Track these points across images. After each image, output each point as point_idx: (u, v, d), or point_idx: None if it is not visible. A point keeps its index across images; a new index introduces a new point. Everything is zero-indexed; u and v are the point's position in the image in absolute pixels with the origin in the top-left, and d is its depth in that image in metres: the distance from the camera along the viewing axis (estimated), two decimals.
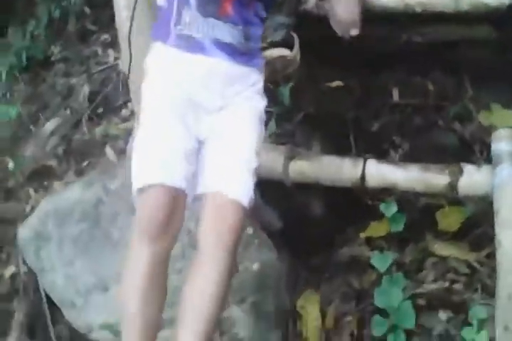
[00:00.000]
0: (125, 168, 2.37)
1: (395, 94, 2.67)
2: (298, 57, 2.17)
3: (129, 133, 2.77)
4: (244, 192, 1.83)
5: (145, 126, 1.88)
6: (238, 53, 1.91)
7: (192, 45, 1.87)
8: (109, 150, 2.90)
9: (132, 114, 2.95)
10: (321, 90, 2.46)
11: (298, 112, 2.18)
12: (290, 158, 2.10)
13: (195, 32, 1.87)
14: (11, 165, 3.08)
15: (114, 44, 3.60)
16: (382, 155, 2.29)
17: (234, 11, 1.90)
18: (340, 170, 2.06)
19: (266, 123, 2.01)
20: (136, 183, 1.81)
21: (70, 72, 3.64)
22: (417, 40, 2.45)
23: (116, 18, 2.60)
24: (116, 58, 3.48)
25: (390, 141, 2.25)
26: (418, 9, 2.27)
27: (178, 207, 1.80)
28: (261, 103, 1.96)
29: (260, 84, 1.98)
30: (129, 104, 3.13)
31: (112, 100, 3.26)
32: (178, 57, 1.89)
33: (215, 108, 1.90)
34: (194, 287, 1.77)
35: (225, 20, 1.89)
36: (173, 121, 1.85)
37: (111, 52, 3.55)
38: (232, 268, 1.78)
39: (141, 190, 1.80)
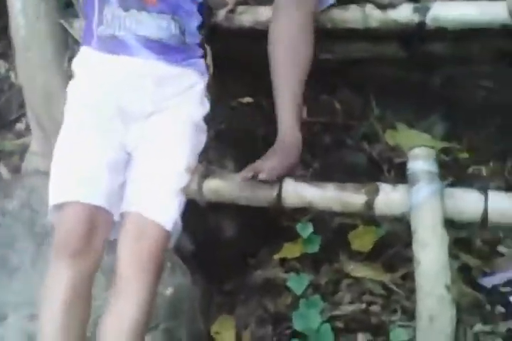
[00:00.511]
0: (22, 187, 2.24)
1: (303, 112, 2.64)
2: (210, 70, 2.10)
3: (24, 149, 2.63)
4: (167, 214, 1.73)
5: (63, 134, 1.75)
6: (170, 51, 1.75)
7: (115, 45, 1.73)
8: (2, 168, 2.72)
9: (27, 128, 2.79)
10: (232, 106, 2.39)
11: (210, 129, 2.10)
12: (204, 176, 2.01)
13: (117, 30, 1.72)
14: None
15: (5, 55, 3.42)
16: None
17: None
18: (256, 188, 1.99)
19: None
20: (52, 199, 1.69)
21: None
22: (326, 57, 2.43)
23: (12, 25, 2.45)
24: (8, 70, 3.30)
25: (300, 159, 2.20)
26: (328, 25, 2.26)
27: (98, 225, 1.69)
28: (198, 110, 1.83)
29: (199, 88, 1.84)
30: (24, 119, 2.96)
31: (4, 114, 3.08)
32: (101, 59, 1.76)
33: (144, 114, 1.76)
34: (113, 313, 1.64)
35: (150, 10, 1.73)
36: (95, 129, 1.73)
37: (2, 63, 3.36)
38: (154, 295, 1.67)
39: (57, 207, 1.67)
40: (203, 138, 1.88)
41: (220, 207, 2.13)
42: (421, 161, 1.96)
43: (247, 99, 2.32)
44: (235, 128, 2.36)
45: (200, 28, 1.84)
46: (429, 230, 1.87)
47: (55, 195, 1.71)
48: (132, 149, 1.78)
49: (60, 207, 1.68)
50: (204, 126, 1.88)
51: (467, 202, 1.91)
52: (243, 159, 2.22)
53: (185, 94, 1.81)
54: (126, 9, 1.72)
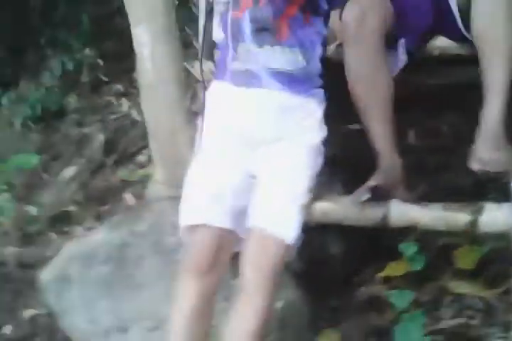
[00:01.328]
0: (149, 211, 2.48)
1: (411, 136, 2.81)
2: None
3: (146, 178, 2.89)
4: (289, 229, 1.87)
5: (195, 161, 1.97)
6: (296, 82, 1.88)
7: (248, 78, 1.88)
8: (128, 196, 3.01)
9: (149, 159, 3.08)
10: (342, 133, 2.59)
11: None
12: (314, 198, 2.21)
13: (252, 64, 1.87)
14: (30, 211, 3.18)
15: (127, 94, 3.77)
16: None
17: (291, 33, 1.86)
18: (363, 210, 2.17)
19: None
20: (183, 221, 1.91)
21: (84, 121, 3.79)
22: (432, 81, 2.58)
23: (139, 70, 2.71)
24: (130, 107, 3.63)
25: (406, 182, 2.37)
26: (436, 52, 2.43)
27: (224, 245, 1.89)
28: (317, 135, 1.96)
29: (318, 115, 1.96)
30: (144, 151, 3.27)
31: (127, 147, 3.40)
32: (233, 91, 1.93)
33: (269, 140, 1.92)
34: (233, 324, 1.85)
35: (281, 45, 1.86)
36: (223, 156, 1.93)
37: (124, 101, 3.71)
38: (272, 304, 1.86)
39: (186, 229, 1.89)
40: (320, 160, 2.01)
41: (327, 227, 2.32)
42: None
43: (355, 126, 2.49)
44: (344, 154, 2.55)
45: (321, 59, 1.95)
46: None
47: (185, 216, 1.90)
48: (257, 173, 1.95)
49: (189, 228, 1.88)
50: (322, 149, 2.01)
51: None
52: (351, 183, 2.41)
53: (306, 121, 1.95)
54: (260, 45, 1.85)
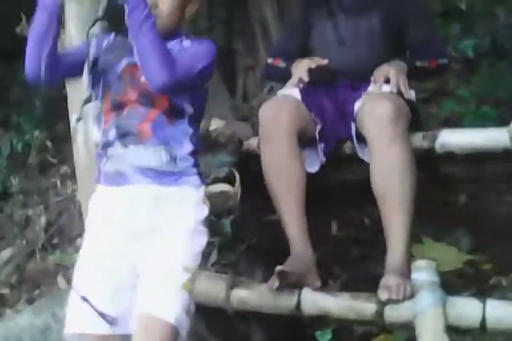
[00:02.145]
0: None
1: (334, 227, 2.95)
2: (239, 193, 2.45)
3: None
4: (169, 309, 1.96)
5: (78, 263, 2.10)
6: (162, 175, 2.04)
7: (117, 178, 2.04)
8: (60, 279, 3.07)
9: None
10: (263, 222, 2.71)
11: (241, 243, 2.42)
12: (232, 286, 2.30)
13: (118, 164, 2.04)
14: None
15: (73, 176, 3.87)
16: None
17: (153, 133, 2.05)
18: (277, 298, 2.27)
19: (208, 253, 2.23)
20: (67, 328, 2.02)
21: (28, 203, 3.88)
22: (350, 177, 2.76)
23: (74, 152, 2.86)
24: (74, 190, 3.73)
25: (329, 271, 2.47)
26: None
27: None
28: (196, 217, 2.08)
29: (195, 199, 2.08)
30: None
31: (67, 230, 3.48)
32: (107, 192, 2.08)
33: (146, 230, 2.03)
34: None
35: (145, 144, 2.04)
36: (106, 256, 2.04)
37: (69, 183, 3.81)
38: None
39: (69, 336, 2.01)
40: (202, 240, 2.10)
41: (247, 315, 2.40)
42: (424, 272, 2.20)
43: (275, 217, 2.62)
44: (265, 243, 2.67)
45: (192, 153, 2.11)
46: (432, 335, 2.09)
47: (68, 323, 2.02)
48: (140, 262, 2.05)
49: (71, 336, 1.99)
50: (203, 229, 2.11)
51: (467, 310, 2.13)
52: (272, 270, 2.51)
53: (180, 207, 2.06)
54: (125, 146, 2.04)
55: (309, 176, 2.53)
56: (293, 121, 2.47)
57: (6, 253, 3.40)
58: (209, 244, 2.28)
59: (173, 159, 2.05)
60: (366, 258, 2.86)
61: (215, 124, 2.70)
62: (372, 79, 2.64)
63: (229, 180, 2.51)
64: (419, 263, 2.22)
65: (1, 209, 3.96)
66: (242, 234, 2.58)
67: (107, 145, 2.08)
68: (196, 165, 2.11)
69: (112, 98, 2.09)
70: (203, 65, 2.05)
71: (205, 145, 2.63)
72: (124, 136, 2.05)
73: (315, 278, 2.34)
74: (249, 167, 2.62)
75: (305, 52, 2.83)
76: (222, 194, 2.44)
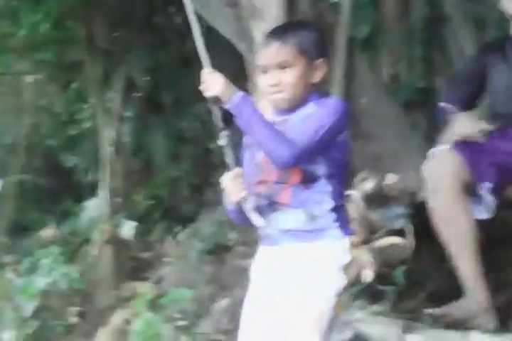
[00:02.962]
0: None
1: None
2: (412, 244, 2.67)
3: None
4: None
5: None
6: (304, 233, 2.21)
7: (269, 239, 2.27)
8: None
9: None
10: (439, 267, 2.89)
11: (420, 291, 2.64)
12: (405, 331, 2.51)
13: (268, 228, 2.25)
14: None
15: None
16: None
17: (291, 200, 2.22)
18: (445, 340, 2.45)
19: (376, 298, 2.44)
20: None
21: (248, 253, 4.33)
22: None
23: None
24: None
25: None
26: None
27: None
28: (333, 265, 2.20)
29: (335, 250, 2.22)
30: None
31: None
32: (263, 251, 2.33)
33: (286, 284, 2.23)
34: None
35: (285, 209, 2.22)
36: (256, 305, 2.30)
37: None
38: None
39: None
40: (337, 285, 2.21)
41: None
42: None
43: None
44: (446, 289, 2.83)
45: (334, 208, 2.23)
46: None
47: None
48: (277, 309, 2.24)
49: None
50: (341, 276, 2.23)
51: None
52: None
53: (320, 258, 2.22)
54: (270, 212, 2.23)
55: (483, 222, 2.69)
56: (455, 174, 2.66)
57: (223, 303, 3.84)
58: (381, 292, 2.54)
59: (313, 218, 2.23)
60: None
61: (390, 179, 2.94)
62: None
63: (400, 232, 2.74)
64: None
65: (225, 260, 4.45)
66: (421, 282, 2.77)
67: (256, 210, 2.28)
68: (339, 219, 2.25)
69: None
70: (329, 125, 2.16)
71: (379, 199, 2.89)
72: (269, 205, 2.25)
73: (488, 319, 2.48)
74: (423, 217, 2.82)
75: (475, 98, 3.00)
76: (393, 246, 2.67)
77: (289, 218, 2.23)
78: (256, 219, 2.22)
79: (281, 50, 2.21)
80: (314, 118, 2.19)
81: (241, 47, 3.64)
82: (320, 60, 2.24)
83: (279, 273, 2.27)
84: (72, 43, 5.94)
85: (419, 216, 2.81)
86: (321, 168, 2.23)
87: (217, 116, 2.21)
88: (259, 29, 3.29)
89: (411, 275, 2.77)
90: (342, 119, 2.20)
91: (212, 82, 2.17)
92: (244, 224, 2.33)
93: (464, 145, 2.77)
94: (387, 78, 4.38)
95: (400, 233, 2.76)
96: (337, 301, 2.20)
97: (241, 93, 2.18)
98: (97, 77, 5.70)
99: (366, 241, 2.72)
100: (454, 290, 2.81)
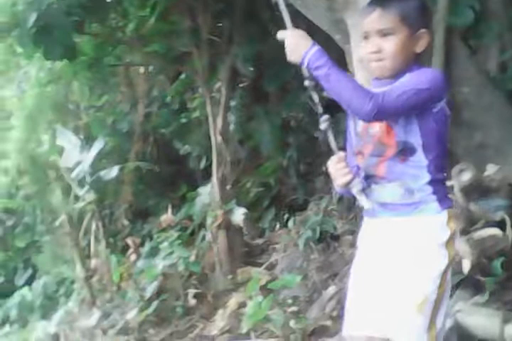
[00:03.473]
0: None
1: None
2: (510, 236, 2.71)
3: None
4: (406, 334, 2.19)
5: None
6: (401, 207, 2.24)
7: (369, 211, 2.31)
8: None
9: None
10: None
11: None
12: (506, 321, 2.58)
13: (371, 200, 2.29)
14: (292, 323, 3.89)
15: None
16: None
17: (387, 173, 2.25)
18: None
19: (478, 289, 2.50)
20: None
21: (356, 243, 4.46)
22: None
23: None
24: None
25: None
26: None
27: None
28: (433, 241, 2.22)
29: (433, 224, 2.23)
30: None
31: None
32: (366, 222, 2.36)
33: (386, 256, 2.26)
34: None
35: (382, 182, 2.26)
36: (358, 278, 2.34)
37: None
38: None
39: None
40: (441, 264, 2.22)
41: None
42: None
43: None
44: None
45: (431, 182, 2.23)
46: None
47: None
48: (378, 282, 2.27)
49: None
50: (443, 253, 2.23)
51: None
52: None
53: (420, 233, 2.24)
54: (369, 186, 2.28)
55: None
56: None
57: (331, 290, 3.99)
58: (481, 283, 2.61)
59: (410, 191, 2.25)
60: None
61: (490, 170, 2.97)
62: None
63: (504, 223, 2.77)
64: None
65: (335, 248, 4.60)
66: None
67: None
68: (436, 191, 2.25)
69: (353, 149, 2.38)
70: (419, 89, 2.15)
71: (479, 190, 2.93)
72: (366, 177, 2.32)
73: None
74: None
75: None
76: (492, 238, 2.72)
77: (386, 191, 2.27)
78: (363, 201, 2.26)
79: (384, 16, 2.20)
80: (405, 81, 2.19)
81: (336, 38, 3.70)
82: (423, 30, 2.23)
83: (380, 246, 2.28)
84: (178, 35, 6.14)
85: None
86: (417, 139, 2.23)
87: (316, 101, 2.26)
88: (353, 20, 3.36)
89: (511, 267, 2.81)
90: (436, 87, 2.18)
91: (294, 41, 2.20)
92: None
93: None
94: (494, 67, 4.33)
95: (499, 224, 2.79)
96: (441, 281, 2.20)
97: (318, 46, 2.18)
98: (203, 68, 5.90)
99: (465, 232, 2.78)
100: None
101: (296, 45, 2.20)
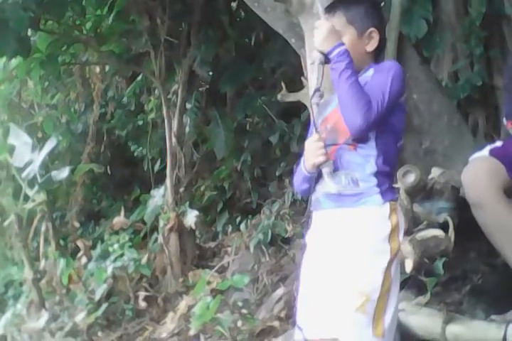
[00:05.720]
0: None
1: None
2: (452, 238, 2.84)
3: None
4: (347, 334, 2.23)
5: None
6: (345, 197, 2.31)
7: (316, 204, 2.40)
8: None
9: None
10: (487, 263, 3.05)
11: (465, 285, 2.83)
12: (447, 322, 2.71)
13: (316, 192, 2.38)
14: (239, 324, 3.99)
15: None
16: None
17: (336, 160, 2.32)
18: (486, 332, 2.63)
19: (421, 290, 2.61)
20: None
21: None
22: None
23: None
24: None
25: None
26: None
27: None
28: (376, 235, 2.28)
29: (376, 217, 2.30)
30: None
31: None
32: (314, 216, 2.44)
33: (329, 249, 2.32)
34: None
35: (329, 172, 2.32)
36: (306, 272, 2.40)
37: None
38: None
39: None
40: (382, 260, 2.28)
41: None
42: None
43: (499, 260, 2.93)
44: (489, 283, 3.00)
45: (376, 173, 2.32)
46: None
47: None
48: (321, 279, 2.34)
49: None
50: (386, 247, 2.29)
51: None
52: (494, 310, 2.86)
53: (362, 225, 2.30)
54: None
55: None
56: (493, 178, 2.81)
57: (279, 292, 4.11)
58: (424, 284, 2.74)
59: (354, 182, 2.32)
60: None
61: (435, 173, 3.11)
62: None
63: (447, 225, 2.91)
64: None
65: (286, 252, 4.72)
66: (465, 275, 2.96)
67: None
68: (380, 184, 2.31)
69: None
70: (392, 88, 2.30)
71: (423, 193, 3.06)
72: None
73: None
74: (467, 211, 2.97)
75: None
76: (434, 238, 2.85)
77: (331, 181, 2.32)
78: (330, 184, 2.31)
79: (330, 20, 2.41)
80: (378, 83, 2.33)
81: (292, 41, 3.79)
82: (371, 29, 2.43)
83: (324, 241, 2.34)
84: (136, 36, 6.20)
85: (463, 210, 2.96)
86: (371, 134, 2.33)
87: (319, 75, 2.35)
88: (307, 25, 3.46)
89: (454, 269, 2.95)
90: (401, 81, 2.34)
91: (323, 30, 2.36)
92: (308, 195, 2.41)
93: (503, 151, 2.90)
94: (446, 76, 4.49)
95: (442, 226, 2.92)
96: (384, 279, 2.24)
97: (344, 47, 2.34)
98: (160, 70, 5.97)
99: (409, 233, 2.90)
100: (497, 285, 2.99)
101: (328, 36, 2.36)
